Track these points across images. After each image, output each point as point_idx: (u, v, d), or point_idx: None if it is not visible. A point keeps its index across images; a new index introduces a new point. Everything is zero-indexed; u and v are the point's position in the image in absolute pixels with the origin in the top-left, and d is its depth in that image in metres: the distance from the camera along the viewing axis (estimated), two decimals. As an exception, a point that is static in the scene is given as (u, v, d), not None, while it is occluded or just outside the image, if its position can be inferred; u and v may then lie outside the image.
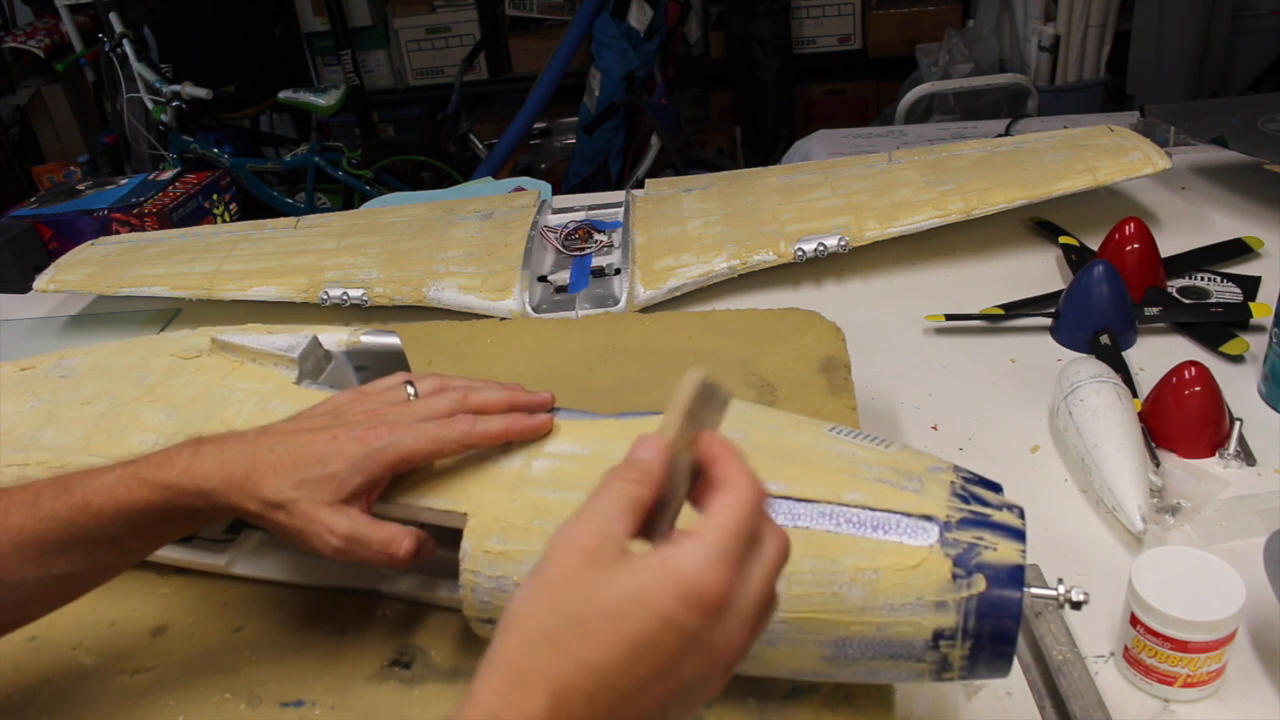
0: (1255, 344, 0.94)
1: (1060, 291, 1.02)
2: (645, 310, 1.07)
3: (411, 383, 0.61)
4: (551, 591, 0.37)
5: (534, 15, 3.44)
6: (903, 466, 0.53)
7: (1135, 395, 0.88)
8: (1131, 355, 0.96)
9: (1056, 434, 0.86)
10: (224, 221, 1.63)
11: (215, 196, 1.62)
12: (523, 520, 0.54)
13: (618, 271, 1.14)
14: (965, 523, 0.50)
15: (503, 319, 1.04)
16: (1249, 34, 2.83)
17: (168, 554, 0.67)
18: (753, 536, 0.39)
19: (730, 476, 0.40)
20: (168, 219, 1.48)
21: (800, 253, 1.09)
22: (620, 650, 0.36)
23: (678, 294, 1.09)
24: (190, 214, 1.55)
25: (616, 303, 1.08)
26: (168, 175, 1.61)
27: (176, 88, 2.81)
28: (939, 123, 2.47)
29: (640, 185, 1.35)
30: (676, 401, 0.41)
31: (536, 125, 3.24)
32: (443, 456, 0.57)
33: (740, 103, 3.31)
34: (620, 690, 0.36)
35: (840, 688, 0.55)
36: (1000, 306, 1.03)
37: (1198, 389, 0.82)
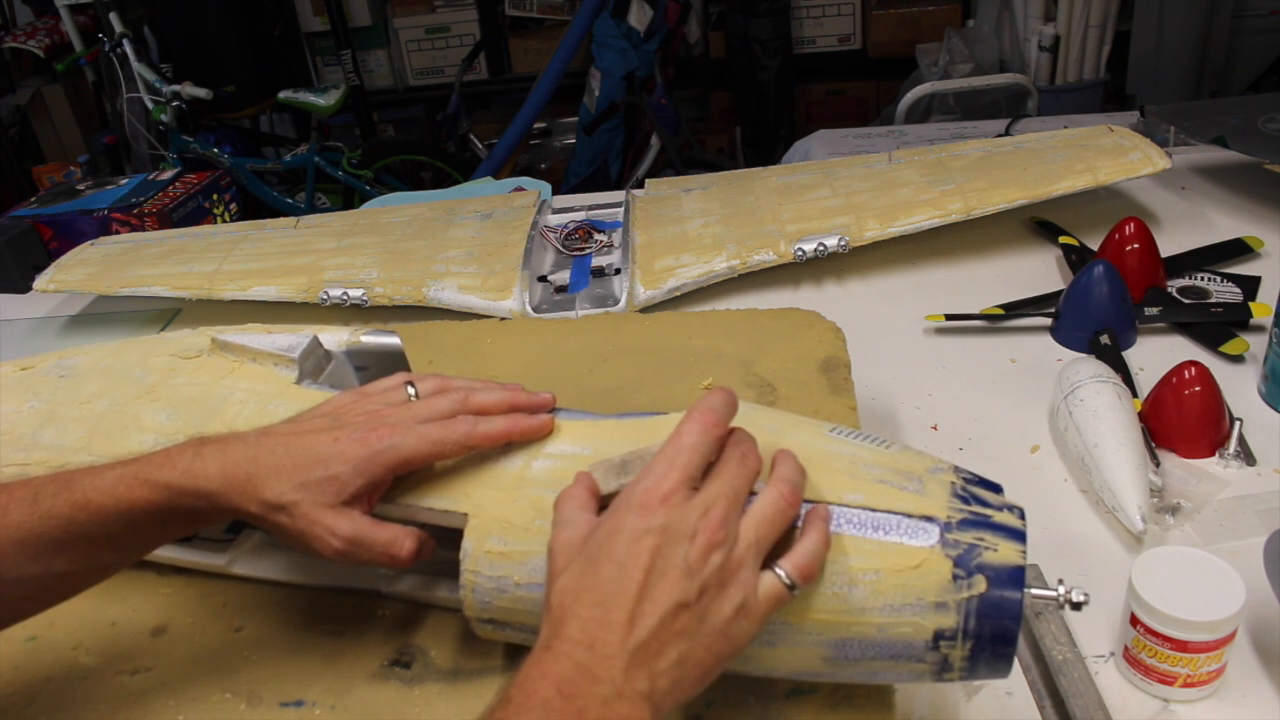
0: (1255, 344, 0.94)
1: (1060, 291, 1.02)
2: (645, 310, 1.07)
3: (412, 383, 0.61)
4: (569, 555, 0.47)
5: (534, 15, 3.44)
6: (903, 467, 0.53)
7: (1135, 395, 0.88)
8: (1131, 355, 0.96)
9: (1056, 434, 0.86)
10: (224, 221, 1.63)
11: (215, 196, 1.62)
12: (523, 520, 0.54)
13: (618, 271, 1.14)
14: (966, 523, 0.50)
15: (503, 319, 1.04)
16: (1249, 34, 2.82)
17: (168, 554, 0.67)
18: (697, 449, 0.48)
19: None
20: (168, 219, 1.48)
21: (800, 253, 1.09)
22: (612, 567, 0.45)
23: (678, 294, 1.09)
24: (190, 214, 1.55)
25: (616, 303, 1.08)
26: (168, 175, 1.61)
27: (176, 88, 2.81)
28: (939, 123, 2.47)
29: (640, 185, 1.35)
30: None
31: (536, 125, 3.24)
32: (444, 458, 0.57)
33: (740, 103, 3.31)
34: (630, 597, 0.44)
35: (840, 688, 0.55)
36: (1000, 306, 1.03)
37: (1198, 389, 0.82)
